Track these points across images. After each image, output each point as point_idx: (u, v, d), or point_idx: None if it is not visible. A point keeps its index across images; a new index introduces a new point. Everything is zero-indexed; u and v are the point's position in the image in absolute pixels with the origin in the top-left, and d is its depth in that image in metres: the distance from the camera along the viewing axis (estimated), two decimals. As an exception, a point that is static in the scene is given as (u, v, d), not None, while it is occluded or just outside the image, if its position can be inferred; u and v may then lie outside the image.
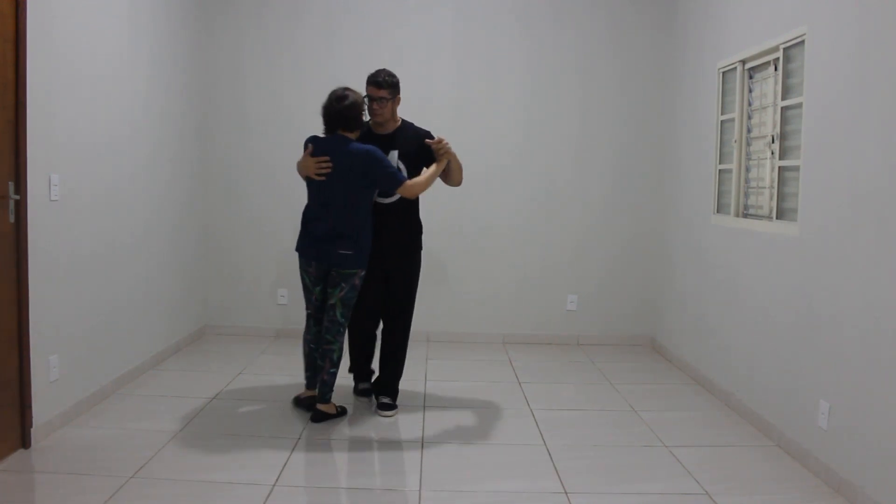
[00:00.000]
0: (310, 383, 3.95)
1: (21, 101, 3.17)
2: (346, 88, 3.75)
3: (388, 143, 3.87)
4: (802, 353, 3.41)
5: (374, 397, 4.12)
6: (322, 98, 5.44)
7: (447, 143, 3.86)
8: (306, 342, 3.92)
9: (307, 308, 3.92)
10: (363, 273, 3.80)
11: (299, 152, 5.53)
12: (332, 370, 3.78)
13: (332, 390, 3.81)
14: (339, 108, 3.67)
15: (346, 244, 3.70)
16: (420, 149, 3.89)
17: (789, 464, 3.38)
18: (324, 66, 5.55)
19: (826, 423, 3.18)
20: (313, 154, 3.73)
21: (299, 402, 3.97)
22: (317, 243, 3.75)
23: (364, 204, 3.75)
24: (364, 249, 3.77)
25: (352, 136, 3.75)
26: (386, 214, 3.90)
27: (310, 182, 3.79)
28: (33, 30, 3.24)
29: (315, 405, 3.82)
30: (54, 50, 3.46)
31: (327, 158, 3.68)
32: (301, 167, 3.78)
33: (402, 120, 4.00)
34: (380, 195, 3.88)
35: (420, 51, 5.55)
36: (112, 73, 4.08)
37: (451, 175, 3.99)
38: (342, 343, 3.81)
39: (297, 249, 3.86)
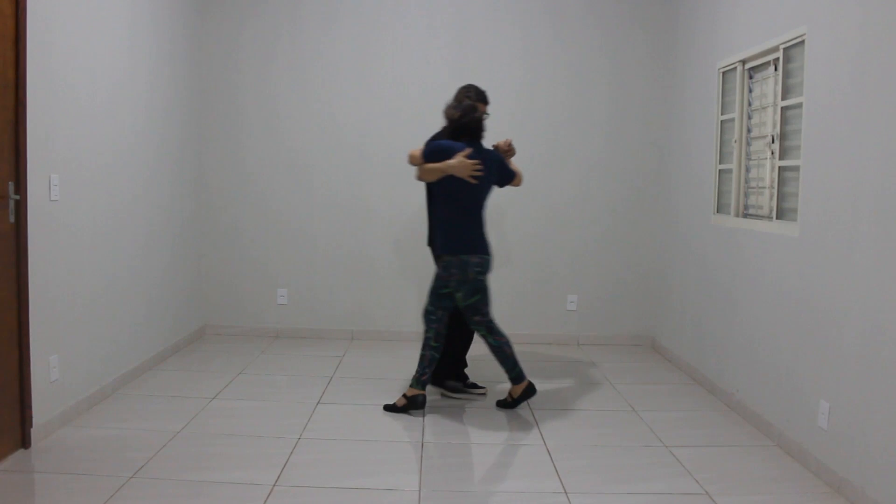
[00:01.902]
0: (423, 384, 4.00)
1: (21, 101, 3.17)
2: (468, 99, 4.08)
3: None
4: (802, 353, 3.41)
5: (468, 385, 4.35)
6: (321, 96, 5.54)
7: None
8: (436, 350, 3.98)
9: (437, 314, 3.99)
10: None
11: (299, 152, 5.59)
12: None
13: None
14: (476, 118, 3.96)
15: (482, 238, 4.01)
16: None
17: (789, 464, 3.38)
18: (323, 65, 5.56)
19: (826, 423, 3.18)
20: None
21: (419, 403, 3.97)
22: (472, 241, 3.94)
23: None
24: None
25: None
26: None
27: (446, 185, 3.90)
28: (33, 30, 3.24)
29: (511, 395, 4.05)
30: (54, 50, 3.46)
31: (479, 162, 3.87)
32: (456, 168, 3.85)
33: None
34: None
35: (420, 49, 5.56)
36: (113, 74, 4.08)
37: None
38: None
39: (452, 251, 3.91)
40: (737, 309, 4.15)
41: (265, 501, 2.86)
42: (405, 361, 5.05)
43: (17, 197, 3.17)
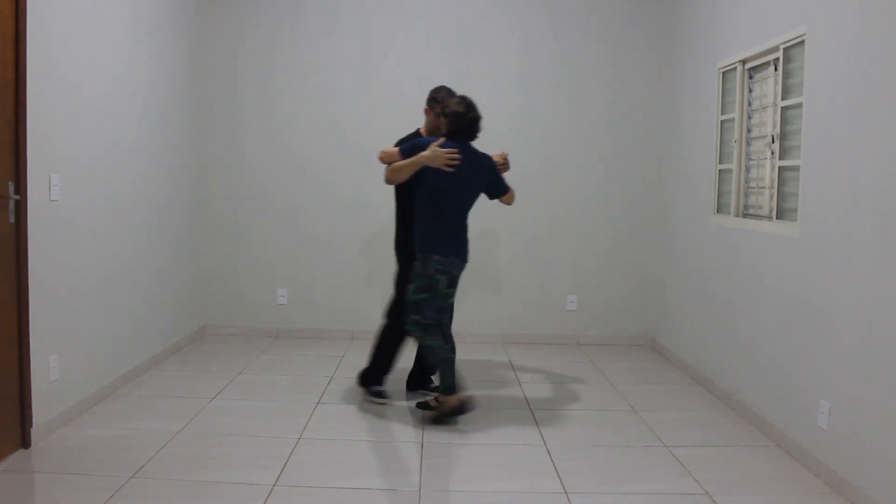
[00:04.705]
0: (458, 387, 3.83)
1: (21, 101, 3.17)
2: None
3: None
4: (802, 353, 3.41)
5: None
6: (322, 95, 5.54)
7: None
8: (449, 350, 3.80)
9: (434, 318, 3.78)
10: None
11: (299, 151, 5.59)
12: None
13: None
14: (476, 117, 3.81)
15: (468, 243, 3.92)
16: None
17: (789, 464, 3.38)
18: (324, 63, 5.56)
19: (826, 423, 3.18)
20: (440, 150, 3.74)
21: (460, 410, 3.79)
22: (461, 243, 3.87)
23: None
24: None
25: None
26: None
27: (432, 185, 3.74)
28: (33, 30, 3.24)
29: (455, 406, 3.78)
30: (54, 50, 3.46)
31: (456, 151, 3.72)
32: (430, 160, 3.69)
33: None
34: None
35: (419, 49, 5.56)
36: (113, 74, 4.08)
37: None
38: None
39: (443, 252, 3.77)
40: (737, 309, 4.15)
41: (265, 501, 2.86)
42: (405, 361, 5.04)
43: (17, 197, 3.17)
